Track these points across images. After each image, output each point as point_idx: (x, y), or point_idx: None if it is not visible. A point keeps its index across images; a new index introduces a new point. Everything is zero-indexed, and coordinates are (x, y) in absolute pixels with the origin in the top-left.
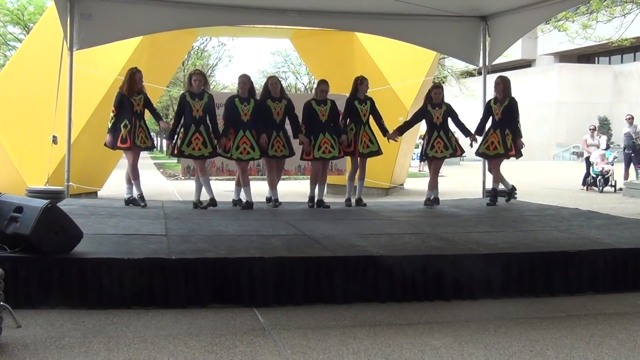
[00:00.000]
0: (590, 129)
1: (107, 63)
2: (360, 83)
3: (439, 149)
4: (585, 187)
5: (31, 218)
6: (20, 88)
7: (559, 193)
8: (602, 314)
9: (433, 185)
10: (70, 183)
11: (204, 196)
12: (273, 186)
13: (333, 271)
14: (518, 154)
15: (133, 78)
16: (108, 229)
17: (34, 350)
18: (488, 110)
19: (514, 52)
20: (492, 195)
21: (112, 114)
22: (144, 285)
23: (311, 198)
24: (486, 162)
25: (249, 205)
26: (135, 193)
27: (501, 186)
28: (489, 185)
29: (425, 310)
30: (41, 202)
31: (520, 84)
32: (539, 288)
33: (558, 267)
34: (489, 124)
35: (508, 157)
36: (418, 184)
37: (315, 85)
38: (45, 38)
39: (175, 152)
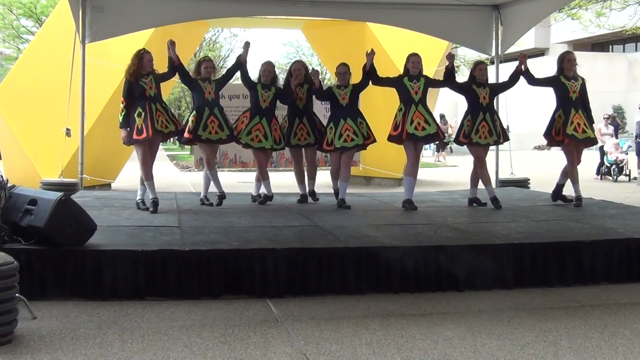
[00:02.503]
0: (604, 118)
1: (119, 55)
2: (407, 61)
3: (484, 134)
4: (599, 177)
5: (45, 210)
6: (33, 81)
7: None
8: (616, 304)
9: (486, 180)
10: (84, 175)
11: (212, 194)
12: (302, 180)
13: (345, 262)
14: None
15: (141, 61)
16: (121, 221)
17: (49, 342)
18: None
19: (527, 41)
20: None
21: (122, 105)
22: (157, 276)
23: (336, 192)
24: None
25: (268, 198)
26: (140, 195)
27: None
28: (503, 175)
29: (438, 301)
30: (55, 195)
31: (533, 73)
32: (552, 278)
33: (571, 257)
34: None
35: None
36: (430, 175)
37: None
38: (58, 31)
39: (190, 136)
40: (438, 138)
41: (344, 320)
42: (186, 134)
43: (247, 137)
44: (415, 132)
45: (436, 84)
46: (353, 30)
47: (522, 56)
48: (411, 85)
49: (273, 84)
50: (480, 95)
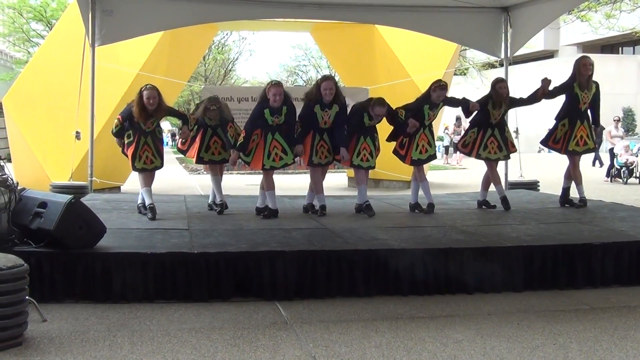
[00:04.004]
0: (614, 120)
1: (128, 58)
2: (433, 89)
3: (493, 149)
4: (609, 179)
5: (55, 213)
6: (43, 84)
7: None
8: (627, 306)
9: (497, 180)
10: (94, 178)
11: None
12: (319, 191)
13: (354, 264)
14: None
15: (141, 102)
16: (131, 224)
17: (59, 344)
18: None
19: (536, 43)
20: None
21: (116, 121)
22: (166, 279)
23: (361, 205)
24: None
25: (273, 213)
26: (140, 200)
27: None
28: (513, 177)
29: (447, 304)
30: (65, 198)
31: (542, 75)
32: (562, 281)
33: (581, 260)
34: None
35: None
36: (439, 177)
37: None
38: (68, 34)
39: (194, 156)
40: (435, 159)
41: (352, 322)
42: (190, 152)
43: (269, 160)
44: (420, 157)
45: (452, 104)
46: (362, 33)
47: (546, 82)
48: (429, 113)
49: (285, 104)
50: (493, 116)
